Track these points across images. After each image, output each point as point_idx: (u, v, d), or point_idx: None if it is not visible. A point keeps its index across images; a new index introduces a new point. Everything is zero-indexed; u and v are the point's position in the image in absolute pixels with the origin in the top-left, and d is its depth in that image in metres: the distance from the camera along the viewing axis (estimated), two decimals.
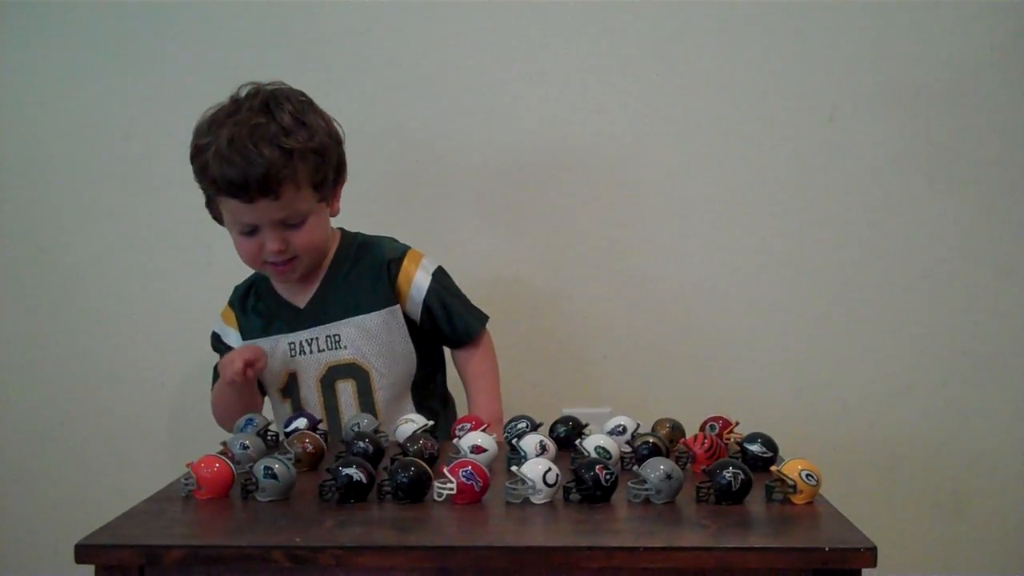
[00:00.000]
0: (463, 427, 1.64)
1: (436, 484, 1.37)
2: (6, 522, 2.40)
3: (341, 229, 1.97)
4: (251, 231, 1.82)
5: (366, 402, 1.89)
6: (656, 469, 1.37)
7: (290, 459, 1.43)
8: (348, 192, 1.91)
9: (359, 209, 1.99)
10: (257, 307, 1.95)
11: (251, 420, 1.66)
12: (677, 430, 1.64)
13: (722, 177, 2.30)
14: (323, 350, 1.89)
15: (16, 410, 2.39)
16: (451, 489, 1.36)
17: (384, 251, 1.93)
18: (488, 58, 2.28)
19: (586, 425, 1.68)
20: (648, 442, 1.52)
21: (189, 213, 2.32)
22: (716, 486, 1.36)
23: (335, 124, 1.86)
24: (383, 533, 1.27)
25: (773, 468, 1.40)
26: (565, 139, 2.29)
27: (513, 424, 1.64)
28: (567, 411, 1.95)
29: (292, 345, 1.90)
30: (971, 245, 2.29)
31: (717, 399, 2.21)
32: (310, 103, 1.84)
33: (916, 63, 2.26)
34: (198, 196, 2.31)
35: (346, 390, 1.89)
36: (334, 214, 1.90)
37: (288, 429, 1.68)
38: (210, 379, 1.96)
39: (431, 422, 1.68)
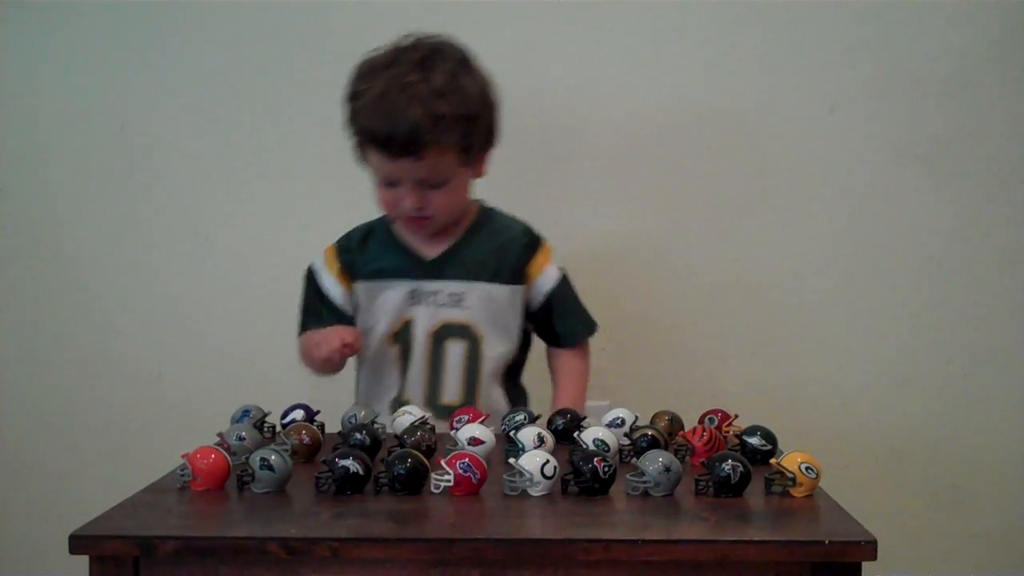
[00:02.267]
0: (460, 419, 1.63)
1: (433, 476, 1.37)
2: (1, 513, 2.40)
3: (479, 201, 1.96)
4: (392, 183, 1.82)
5: (472, 367, 1.89)
6: (655, 461, 1.36)
7: (286, 450, 1.42)
8: None
9: None
10: (376, 251, 1.93)
11: (247, 411, 1.66)
12: (676, 423, 1.64)
13: (720, 169, 2.29)
14: (443, 305, 1.89)
15: (12, 401, 2.38)
16: (448, 481, 1.35)
17: (524, 233, 1.95)
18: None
19: (584, 417, 1.68)
20: (647, 435, 1.52)
21: (187, 204, 2.33)
22: (715, 479, 1.35)
23: (492, 88, 1.84)
24: (380, 525, 1.26)
25: (773, 461, 1.40)
26: (560, 128, 2.28)
27: (511, 416, 1.63)
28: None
29: (413, 293, 1.89)
30: (971, 237, 2.29)
31: (715, 392, 2.22)
32: (469, 63, 1.82)
33: (916, 55, 2.25)
34: (196, 187, 2.32)
35: (456, 350, 1.88)
36: (478, 177, 1.90)
37: (285, 420, 1.67)
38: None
39: (428, 414, 1.67)
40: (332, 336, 1.80)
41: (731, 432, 1.61)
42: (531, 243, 1.94)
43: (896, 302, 2.30)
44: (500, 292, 1.90)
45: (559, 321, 1.95)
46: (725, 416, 1.65)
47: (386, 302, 1.90)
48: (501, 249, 1.92)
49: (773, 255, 2.30)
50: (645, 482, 1.36)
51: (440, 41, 1.83)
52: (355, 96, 1.80)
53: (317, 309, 1.94)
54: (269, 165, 2.32)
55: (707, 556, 1.19)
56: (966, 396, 2.32)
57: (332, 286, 1.94)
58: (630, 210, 2.30)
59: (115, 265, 2.35)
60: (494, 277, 1.90)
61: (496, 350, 1.90)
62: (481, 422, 1.58)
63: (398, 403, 1.87)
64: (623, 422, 1.63)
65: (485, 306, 1.89)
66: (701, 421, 1.65)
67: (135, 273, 2.35)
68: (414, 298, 1.89)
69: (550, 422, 1.67)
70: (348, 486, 1.36)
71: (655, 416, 1.65)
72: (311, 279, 1.96)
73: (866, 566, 1.20)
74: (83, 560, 1.23)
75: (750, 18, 2.24)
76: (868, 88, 2.25)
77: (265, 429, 1.65)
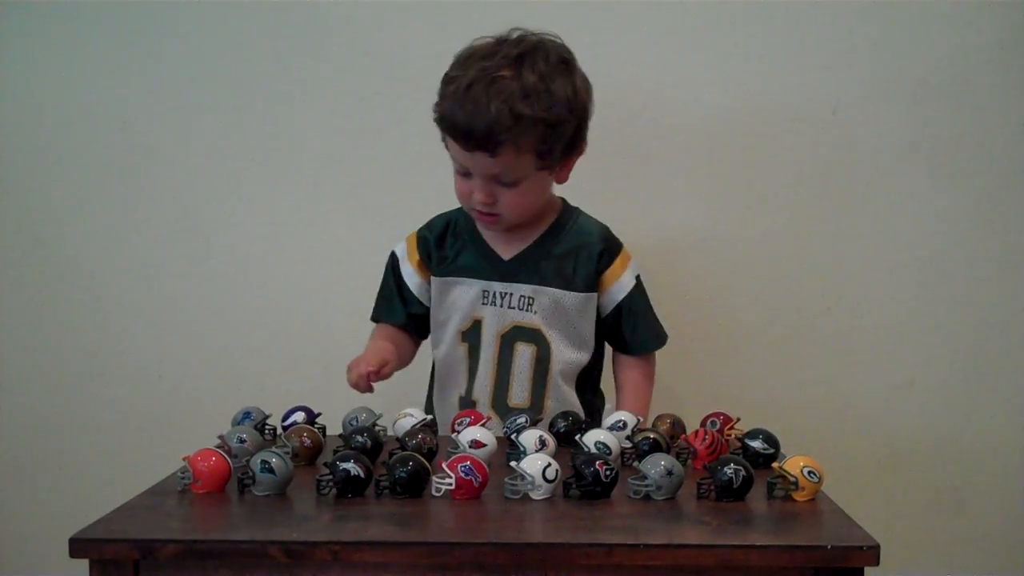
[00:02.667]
0: (462, 422, 1.63)
1: (434, 479, 1.36)
2: (1, 513, 2.39)
3: (563, 200, 1.95)
4: (466, 174, 1.80)
5: (541, 370, 1.87)
6: (657, 465, 1.36)
7: (287, 453, 1.42)
8: None
9: None
10: (454, 245, 1.92)
11: (248, 413, 1.65)
12: (678, 426, 1.64)
13: (724, 171, 2.28)
14: (513, 307, 1.87)
15: (12, 402, 2.38)
16: (450, 484, 1.35)
17: (602, 239, 1.92)
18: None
19: (586, 420, 1.67)
20: (649, 438, 1.52)
21: (188, 205, 2.32)
22: (717, 482, 1.35)
23: (586, 95, 1.80)
24: (381, 528, 1.25)
25: (775, 464, 1.39)
26: None
27: (512, 419, 1.63)
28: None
29: (486, 293, 1.88)
30: (973, 239, 2.28)
31: (718, 395, 2.21)
32: (567, 67, 1.78)
33: (920, 57, 2.24)
34: (197, 187, 2.32)
35: (525, 354, 1.87)
36: (559, 182, 1.88)
37: (286, 423, 1.67)
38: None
39: (430, 416, 1.67)
40: (361, 361, 1.80)
41: (733, 435, 1.60)
42: (608, 250, 1.91)
43: (897, 303, 2.30)
44: (571, 299, 1.87)
45: (628, 330, 1.93)
46: (727, 419, 1.65)
47: (458, 299, 1.90)
48: (577, 255, 1.89)
49: (775, 256, 2.29)
50: (647, 486, 1.35)
51: (543, 40, 1.79)
52: (447, 81, 1.77)
53: (391, 297, 1.95)
54: (269, 165, 2.31)
55: (709, 561, 1.19)
56: (968, 398, 2.31)
57: (410, 275, 1.94)
58: (627, 211, 2.29)
59: (115, 265, 2.34)
60: (567, 284, 1.87)
61: (566, 355, 1.88)
62: (482, 425, 1.58)
63: (466, 402, 1.88)
64: (625, 425, 1.62)
65: (555, 312, 1.87)
66: (703, 424, 1.64)
67: (135, 273, 2.34)
68: (485, 298, 1.88)
69: (552, 425, 1.67)
70: (349, 489, 1.36)
71: (657, 419, 1.65)
72: (393, 265, 1.96)
73: (868, 570, 1.20)
74: (83, 563, 1.22)
75: (753, 19, 2.24)
76: (872, 89, 2.25)
77: (266, 431, 1.64)
